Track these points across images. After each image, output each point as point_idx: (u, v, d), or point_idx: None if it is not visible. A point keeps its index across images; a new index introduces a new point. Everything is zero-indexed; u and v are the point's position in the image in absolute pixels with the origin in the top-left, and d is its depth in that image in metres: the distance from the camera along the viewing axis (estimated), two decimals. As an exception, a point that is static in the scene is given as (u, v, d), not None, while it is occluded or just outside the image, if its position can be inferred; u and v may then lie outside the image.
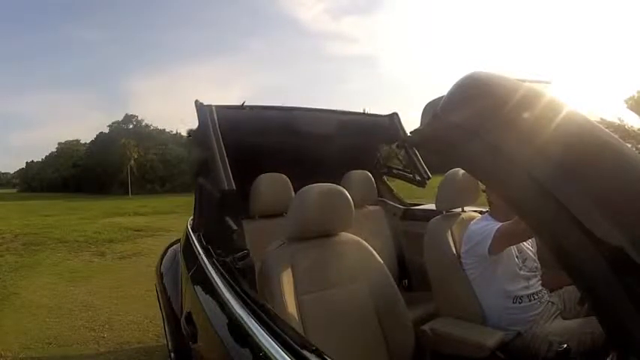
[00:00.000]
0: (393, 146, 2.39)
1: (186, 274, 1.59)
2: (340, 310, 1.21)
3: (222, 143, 1.59)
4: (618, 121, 17.96)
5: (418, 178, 2.30)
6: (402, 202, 2.42)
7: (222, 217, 1.61)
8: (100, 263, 5.45)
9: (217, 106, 1.76)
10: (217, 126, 1.64)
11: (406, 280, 2.16)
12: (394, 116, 2.34)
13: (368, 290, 1.26)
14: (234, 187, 1.47)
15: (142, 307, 3.36)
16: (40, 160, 62.64)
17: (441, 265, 1.51)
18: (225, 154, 1.55)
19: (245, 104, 1.93)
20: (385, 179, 2.56)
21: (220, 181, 1.47)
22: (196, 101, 1.73)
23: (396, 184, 2.61)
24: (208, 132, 1.61)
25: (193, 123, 1.77)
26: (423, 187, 2.29)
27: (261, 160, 1.88)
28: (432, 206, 1.89)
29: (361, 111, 2.32)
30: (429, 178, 2.29)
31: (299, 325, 1.11)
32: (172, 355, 1.75)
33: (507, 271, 1.39)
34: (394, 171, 2.48)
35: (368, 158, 2.48)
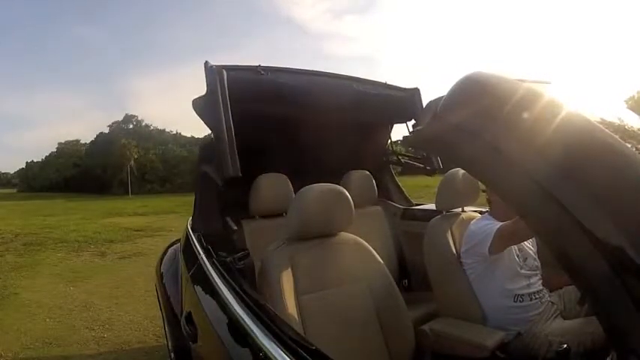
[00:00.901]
0: (410, 123, 2.17)
1: (186, 274, 1.59)
2: (340, 310, 1.21)
3: (230, 117, 1.41)
4: (618, 121, 17.95)
5: (428, 167, 2.19)
6: (408, 201, 2.39)
7: (222, 215, 1.59)
8: (100, 263, 5.45)
9: (228, 68, 1.54)
10: (227, 95, 1.45)
11: (406, 280, 2.16)
12: (415, 92, 2.09)
13: (368, 290, 1.26)
14: (240, 174, 1.37)
15: (142, 307, 3.36)
16: (40, 160, 62.63)
17: (441, 265, 1.51)
18: (233, 132, 1.39)
19: (260, 66, 1.67)
20: (393, 173, 2.49)
21: (225, 164, 1.36)
22: (206, 62, 1.52)
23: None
24: (216, 100, 1.43)
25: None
26: (432, 175, 2.20)
27: (270, 135, 1.77)
28: (432, 206, 1.89)
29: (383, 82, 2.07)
30: (440, 167, 2.17)
31: (299, 325, 1.11)
32: (172, 355, 1.75)
33: (508, 270, 1.39)
34: (403, 160, 2.37)
35: (381, 137, 2.35)
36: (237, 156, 1.37)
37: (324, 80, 1.86)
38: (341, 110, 1.87)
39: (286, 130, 1.83)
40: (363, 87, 1.95)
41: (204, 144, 1.71)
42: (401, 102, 2.06)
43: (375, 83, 2.04)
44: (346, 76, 1.95)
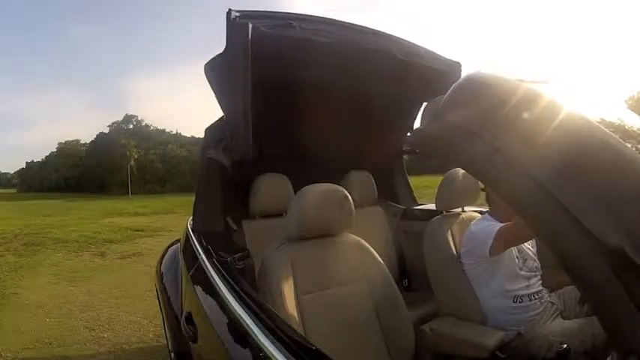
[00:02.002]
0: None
1: (186, 274, 1.59)
2: (340, 310, 1.21)
3: (250, 86, 1.17)
4: (618, 121, 17.98)
5: None
6: (414, 199, 2.38)
7: (223, 215, 1.57)
8: (100, 263, 5.45)
9: (253, 16, 1.22)
10: (249, 60, 1.16)
11: (406, 280, 2.16)
12: (456, 66, 1.73)
13: (368, 290, 1.26)
14: (252, 155, 1.22)
15: (141, 307, 3.36)
16: (40, 160, 62.52)
17: (441, 265, 1.51)
18: (249, 105, 1.17)
19: (293, 14, 1.35)
20: (405, 170, 2.44)
21: (237, 142, 1.20)
22: (229, 12, 1.18)
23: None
24: (236, 63, 1.17)
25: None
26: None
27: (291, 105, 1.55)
28: (432, 206, 1.89)
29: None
30: None
31: (299, 325, 1.11)
32: (172, 355, 1.75)
33: (507, 271, 1.39)
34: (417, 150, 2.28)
35: (405, 122, 2.08)
36: (251, 134, 1.18)
37: (363, 39, 1.48)
38: (373, 86, 1.58)
39: (298, 109, 1.58)
40: (403, 54, 1.53)
41: (212, 126, 1.51)
42: (438, 77, 1.65)
43: (415, 49, 1.61)
44: (387, 36, 1.56)
